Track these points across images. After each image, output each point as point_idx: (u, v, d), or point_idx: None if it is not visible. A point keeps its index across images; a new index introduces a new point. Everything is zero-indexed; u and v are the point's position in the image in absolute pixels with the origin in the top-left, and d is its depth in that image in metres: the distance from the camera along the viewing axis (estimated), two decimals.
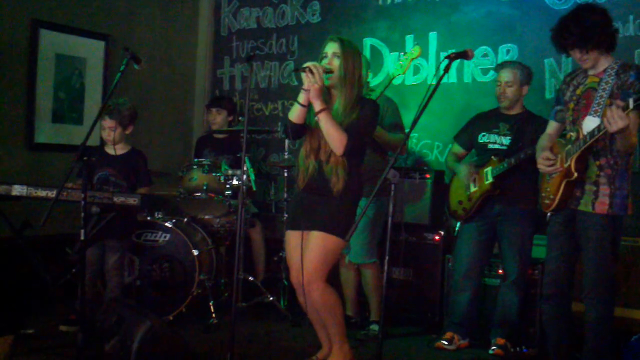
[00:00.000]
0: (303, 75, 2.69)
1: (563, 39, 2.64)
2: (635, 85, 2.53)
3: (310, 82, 2.66)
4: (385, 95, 3.61)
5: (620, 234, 2.71)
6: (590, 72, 2.69)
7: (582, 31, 2.57)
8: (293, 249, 2.85)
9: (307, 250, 2.77)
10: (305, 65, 2.68)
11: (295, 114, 2.77)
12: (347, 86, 2.76)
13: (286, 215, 4.09)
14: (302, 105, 2.75)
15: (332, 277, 3.43)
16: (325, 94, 2.77)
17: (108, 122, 3.40)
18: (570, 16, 2.63)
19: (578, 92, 2.72)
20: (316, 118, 2.71)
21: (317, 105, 2.69)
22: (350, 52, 2.77)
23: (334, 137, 2.69)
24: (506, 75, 3.40)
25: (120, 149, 3.47)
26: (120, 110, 3.38)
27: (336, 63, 2.74)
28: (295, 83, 4.77)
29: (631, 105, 2.41)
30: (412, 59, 3.51)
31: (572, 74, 2.84)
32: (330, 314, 2.81)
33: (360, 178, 2.86)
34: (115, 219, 3.08)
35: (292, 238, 2.87)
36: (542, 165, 2.77)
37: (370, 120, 2.81)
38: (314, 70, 2.65)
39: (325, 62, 2.76)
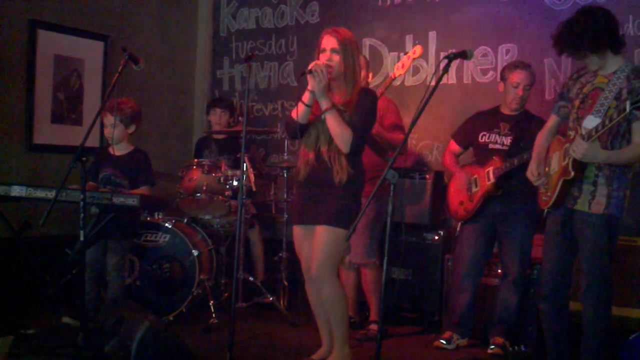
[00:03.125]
0: (308, 76, 2.70)
1: (566, 42, 2.64)
2: None
3: (315, 83, 2.68)
4: (385, 96, 3.61)
5: (617, 234, 2.71)
6: (600, 72, 2.68)
7: (574, 38, 2.58)
8: (300, 244, 2.89)
9: (314, 246, 2.79)
10: (309, 68, 2.70)
11: (300, 114, 2.79)
12: (348, 80, 2.79)
13: (286, 216, 4.09)
14: (308, 106, 2.78)
15: None
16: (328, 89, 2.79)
17: (109, 119, 3.40)
18: (574, 19, 2.61)
19: (585, 90, 2.71)
20: (323, 117, 2.73)
21: (325, 104, 2.73)
22: (349, 45, 2.79)
23: (340, 135, 2.73)
24: (526, 77, 3.37)
25: (123, 149, 3.47)
26: (122, 108, 3.38)
27: (336, 58, 2.77)
28: (295, 84, 4.77)
29: (628, 109, 2.41)
30: (414, 58, 3.51)
31: (580, 71, 2.81)
32: (337, 311, 2.82)
33: (362, 168, 2.89)
34: (117, 219, 3.08)
35: (298, 233, 2.91)
36: (529, 177, 2.85)
37: (371, 112, 2.84)
38: (318, 70, 2.67)
39: (324, 57, 2.77)
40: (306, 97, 2.77)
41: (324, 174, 2.79)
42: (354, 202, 2.82)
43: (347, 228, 2.71)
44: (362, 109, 2.78)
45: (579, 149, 2.56)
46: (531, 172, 2.84)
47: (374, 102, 2.86)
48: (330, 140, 2.78)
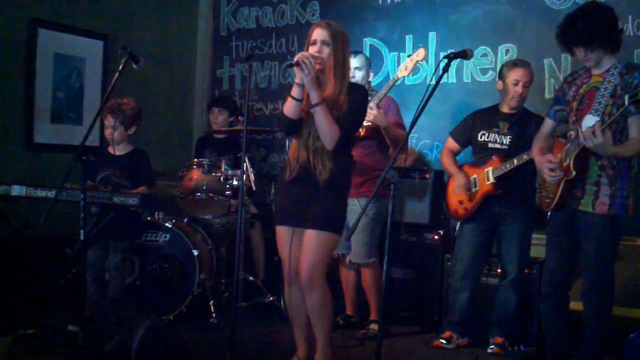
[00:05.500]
0: (295, 68, 2.60)
1: (569, 36, 2.63)
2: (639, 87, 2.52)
3: (303, 75, 2.58)
4: (388, 95, 3.61)
5: (620, 234, 2.71)
6: (594, 72, 2.69)
7: (589, 29, 2.56)
8: (284, 245, 2.80)
9: (304, 250, 2.72)
10: (295, 58, 2.60)
11: (290, 109, 2.68)
12: (337, 74, 2.69)
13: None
14: (297, 100, 2.66)
15: (332, 277, 3.43)
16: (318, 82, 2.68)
17: (109, 120, 3.40)
18: (578, 13, 2.62)
19: (581, 91, 2.71)
20: (312, 110, 2.63)
21: (314, 97, 2.61)
22: (340, 39, 2.69)
23: (327, 132, 2.63)
24: (526, 75, 3.37)
25: (122, 149, 3.47)
26: (123, 109, 3.38)
27: (325, 51, 2.67)
28: None
29: (627, 102, 2.41)
30: (417, 60, 3.51)
31: (574, 73, 2.83)
32: (325, 315, 2.77)
33: (349, 168, 2.80)
34: (118, 219, 3.07)
35: (283, 234, 2.81)
36: (545, 170, 2.74)
37: (361, 109, 2.76)
38: (306, 61, 2.57)
39: (313, 49, 2.68)
40: (294, 90, 2.65)
41: (310, 173, 2.70)
42: (341, 203, 2.75)
43: (336, 231, 2.68)
44: (352, 105, 2.69)
45: (594, 140, 2.46)
46: (549, 161, 2.72)
47: (364, 97, 2.78)
48: (316, 138, 2.68)
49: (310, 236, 2.71)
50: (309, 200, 2.72)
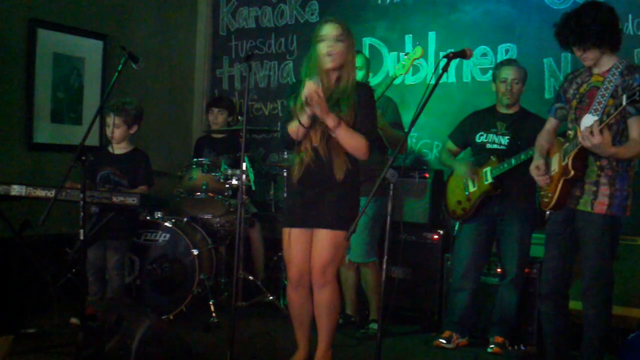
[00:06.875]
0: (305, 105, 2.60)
1: (564, 36, 2.64)
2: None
3: (314, 110, 2.60)
4: (386, 95, 3.61)
5: (619, 234, 2.71)
6: (595, 71, 2.69)
7: (582, 28, 2.56)
8: (292, 246, 2.79)
9: (317, 250, 2.74)
10: (303, 96, 2.59)
11: (296, 132, 2.70)
12: (349, 68, 2.74)
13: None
14: (305, 127, 2.69)
15: None
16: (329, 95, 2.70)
17: (112, 120, 3.40)
18: (573, 13, 2.62)
19: (582, 90, 2.71)
20: (333, 134, 2.66)
21: (331, 122, 2.63)
22: (350, 34, 2.75)
23: (355, 146, 2.69)
24: (513, 72, 3.39)
25: (122, 148, 3.48)
26: (127, 109, 3.39)
27: (339, 46, 2.68)
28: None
29: (624, 102, 2.41)
30: (415, 59, 3.51)
31: (575, 72, 2.83)
32: (333, 314, 2.80)
33: (357, 165, 2.82)
34: (116, 218, 3.08)
35: (292, 234, 2.81)
36: (533, 174, 2.80)
37: (373, 109, 2.80)
38: (314, 97, 2.56)
39: (326, 44, 2.67)
40: (304, 120, 2.67)
41: (320, 172, 2.72)
42: (353, 201, 2.78)
43: (347, 229, 2.70)
44: (364, 109, 2.72)
45: (592, 140, 2.47)
46: (537, 167, 2.78)
47: (372, 97, 2.82)
48: (326, 135, 2.70)
49: (323, 235, 2.74)
50: (318, 199, 2.74)
